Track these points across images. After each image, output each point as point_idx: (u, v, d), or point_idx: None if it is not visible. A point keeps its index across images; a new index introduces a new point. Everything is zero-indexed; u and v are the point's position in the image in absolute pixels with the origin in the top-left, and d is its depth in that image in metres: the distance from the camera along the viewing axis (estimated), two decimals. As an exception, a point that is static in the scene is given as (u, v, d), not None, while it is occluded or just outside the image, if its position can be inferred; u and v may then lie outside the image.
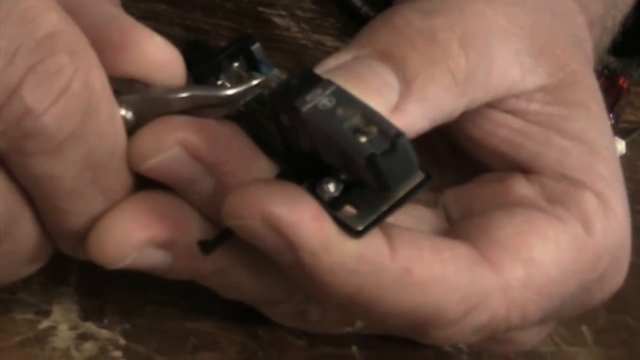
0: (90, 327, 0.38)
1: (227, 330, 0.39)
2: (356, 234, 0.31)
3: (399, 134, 0.29)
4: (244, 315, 0.39)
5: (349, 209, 0.31)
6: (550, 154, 0.37)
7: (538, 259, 0.35)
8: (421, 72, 0.33)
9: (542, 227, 0.35)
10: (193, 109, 0.33)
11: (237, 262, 0.35)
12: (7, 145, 0.29)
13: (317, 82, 0.30)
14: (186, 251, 0.34)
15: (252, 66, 0.35)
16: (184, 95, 0.33)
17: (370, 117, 0.30)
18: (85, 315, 0.38)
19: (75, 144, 0.30)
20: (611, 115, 0.57)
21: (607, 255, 0.36)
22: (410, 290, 0.32)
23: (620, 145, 0.58)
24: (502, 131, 0.38)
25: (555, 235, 0.35)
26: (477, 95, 0.35)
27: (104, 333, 0.37)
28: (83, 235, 0.32)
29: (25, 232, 0.32)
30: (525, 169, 0.38)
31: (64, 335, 0.37)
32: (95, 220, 0.32)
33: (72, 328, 0.37)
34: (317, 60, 0.59)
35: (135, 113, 0.32)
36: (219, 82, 0.35)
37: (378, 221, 0.31)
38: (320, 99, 0.30)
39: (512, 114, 0.37)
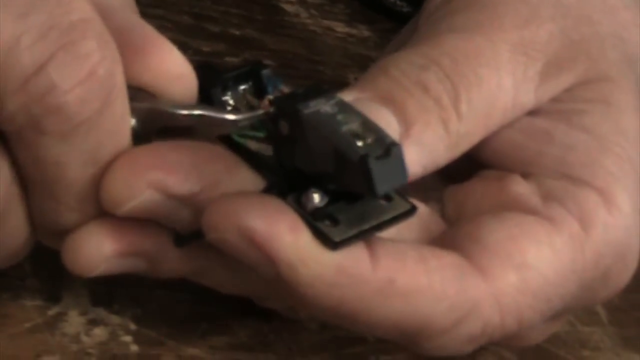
0: (100, 312, 0.37)
1: (238, 314, 0.39)
2: (333, 245, 0.31)
3: (394, 143, 0.30)
4: (254, 299, 0.39)
5: (330, 222, 0.31)
6: (552, 152, 0.37)
7: (532, 263, 0.34)
8: (418, 118, 0.34)
9: (534, 230, 0.35)
10: (194, 128, 0.33)
11: (217, 263, 0.35)
12: (25, 120, 0.30)
13: (321, 93, 0.31)
14: (159, 257, 0.34)
15: (260, 90, 0.35)
16: (192, 112, 0.33)
17: (369, 126, 0.30)
18: (95, 301, 0.38)
19: (88, 132, 0.30)
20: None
21: (609, 252, 0.36)
22: (394, 301, 0.32)
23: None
24: (503, 131, 0.37)
25: (549, 237, 0.35)
26: (475, 139, 0.36)
27: (114, 318, 0.37)
28: (70, 229, 0.33)
29: (14, 223, 0.33)
30: (525, 169, 0.37)
31: (74, 321, 0.37)
32: (89, 219, 0.33)
33: (82, 314, 0.37)
34: (327, 46, 0.59)
35: (139, 122, 0.32)
36: (224, 99, 0.35)
37: (357, 237, 0.31)
38: (323, 106, 0.31)
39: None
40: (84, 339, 0.36)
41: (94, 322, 0.37)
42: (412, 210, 0.32)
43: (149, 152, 0.32)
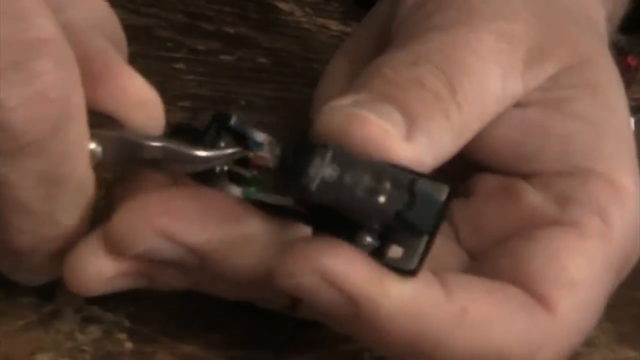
0: (95, 310, 0.37)
1: (232, 311, 0.39)
2: (410, 273, 0.31)
3: (413, 180, 0.29)
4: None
5: (394, 253, 0.31)
6: (550, 145, 0.37)
7: (577, 277, 0.35)
8: (421, 111, 0.33)
9: (566, 242, 0.35)
10: (163, 161, 0.33)
11: (217, 277, 0.35)
12: None
13: (313, 150, 0.30)
14: (160, 274, 0.34)
15: (238, 139, 0.35)
16: (157, 144, 0.33)
17: (379, 172, 0.30)
18: (90, 298, 0.37)
19: (37, 154, 0.29)
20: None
21: (629, 237, 0.37)
22: (469, 332, 0.33)
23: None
24: (500, 130, 0.37)
25: (581, 244, 0.35)
26: (474, 129, 0.36)
27: (109, 316, 0.37)
28: (22, 254, 0.32)
29: None
30: (526, 165, 0.37)
31: (68, 318, 0.37)
32: (41, 243, 0.32)
33: (77, 311, 0.37)
34: (322, 44, 0.59)
35: (104, 150, 0.32)
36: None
37: (425, 255, 0.31)
38: (323, 170, 0.30)
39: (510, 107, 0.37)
40: (79, 336, 0.36)
41: (88, 320, 0.37)
42: (451, 190, 0.31)
43: (160, 198, 0.33)
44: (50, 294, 0.37)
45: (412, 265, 0.31)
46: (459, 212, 0.39)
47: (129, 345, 0.37)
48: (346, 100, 0.33)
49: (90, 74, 0.31)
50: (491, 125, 0.37)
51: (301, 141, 0.32)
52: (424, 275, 0.32)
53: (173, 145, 0.33)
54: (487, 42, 0.36)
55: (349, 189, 0.30)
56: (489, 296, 0.33)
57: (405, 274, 0.31)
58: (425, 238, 0.31)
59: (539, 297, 0.34)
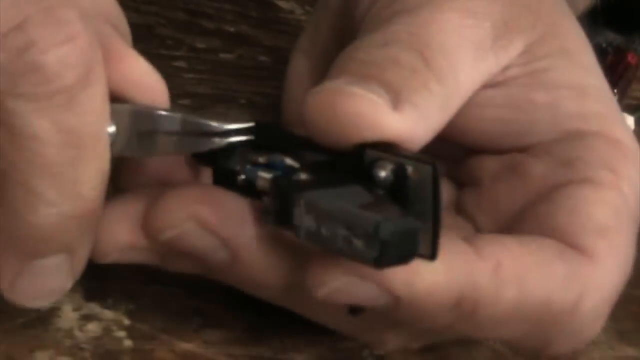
0: (94, 307, 0.37)
1: (232, 308, 0.39)
2: (429, 258, 0.31)
3: (376, 226, 0.29)
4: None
5: None
6: (540, 117, 0.38)
7: (606, 224, 0.35)
8: (402, 85, 0.33)
9: (585, 196, 0.36)
10: (180, 134, 0.33)
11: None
12: (1, 81, 0.28)
13: (292, 199, 0.31)
14: (173, 255, 0.34)
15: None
16: (176, 115, 0.33)
17: (348, 221, 0.30)
18: (89, 296, 0.37)
19: (67, 105, 0.29)
20: (615, 91, 0.57)
21: (636, 181, 0.37)
22: (507, 285, 0.33)
23: (629, 121, 0.58)
24: (488, 112, 0.38)
25: (600, 195, 0.36)
26: (456, 104, 0.35)
27: (108, 313, 0.37)
28: (37, 241, 0.31)
29: None
30: (521, 140, 0.38)
31: (67, 316, 0.37)
32: (60, 224, 0.31)
33: (76, 309, 0.37)
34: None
35: (118, 127, 0.32)
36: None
37: (436, 235, 0.31)
38: (304, 221, 0.30)
39: (492, 87, 0.37)
40: (78, 334, 0.36)
41: (87, 317, 0.37)
42: (434, 167, 0.31)
43: (198, 190, 0.34)
44: (50, 291, 0.37)
45: (427, 250, 0.31)
46: (471, 203, 0.39)
47: (128, 343, 0.37)
48: (329, 85, 0.33)
49: None
50: (478, 108, 0.37)
51: (279, 188, 0.32)
52: (451, 243, 0.32)
53: (191, 116, 0.33)
54: (452, 20, 0.36)
55: (328, 240, 0.30)
56: (522, 248, 0.34)
57: (426, 259, 0.31)
58: (428, 230, 0.31)
59: (574, 246, 0.35)
